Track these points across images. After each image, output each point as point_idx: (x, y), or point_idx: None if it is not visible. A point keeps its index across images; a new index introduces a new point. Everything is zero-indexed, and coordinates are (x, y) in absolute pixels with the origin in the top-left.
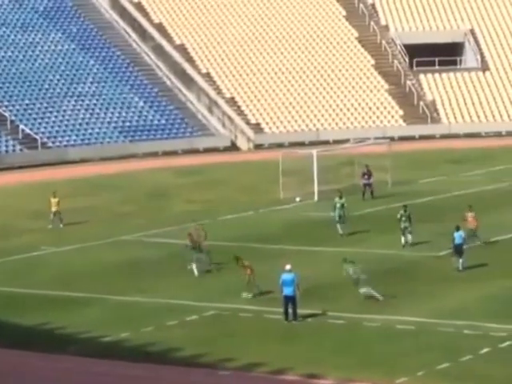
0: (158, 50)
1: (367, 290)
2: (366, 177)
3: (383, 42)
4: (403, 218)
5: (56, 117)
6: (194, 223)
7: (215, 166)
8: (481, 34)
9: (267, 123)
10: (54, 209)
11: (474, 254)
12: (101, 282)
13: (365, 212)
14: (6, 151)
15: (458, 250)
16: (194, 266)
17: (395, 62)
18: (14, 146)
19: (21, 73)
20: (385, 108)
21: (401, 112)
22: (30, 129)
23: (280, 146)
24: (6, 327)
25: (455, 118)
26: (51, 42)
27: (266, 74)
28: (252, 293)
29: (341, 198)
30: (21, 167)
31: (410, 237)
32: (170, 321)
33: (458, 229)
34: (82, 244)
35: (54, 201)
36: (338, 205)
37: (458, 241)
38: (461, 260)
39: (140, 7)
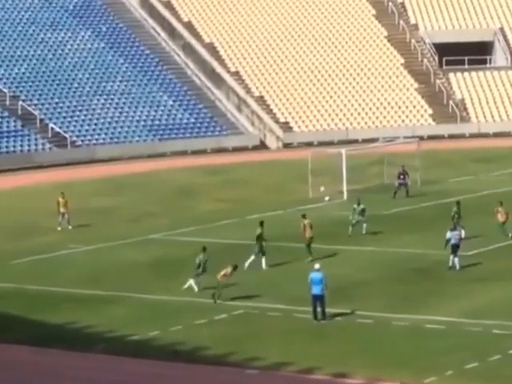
0: (187, 48)
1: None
2: (401, 177)
3: (413, 40)
4: (456, 215)
5: (85, 115)
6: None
7: (244, 165)
8: (511, 32)
9: (296, 122)
10: (61, 210)
11: (501, 253)
12: (129, 280)
13: (394, 211)
14: (36, 150)
15: (454, 250)
16: (251, 258)
17: (424, 60)
18: (43, 144)
19: (50, 71)
20: (414, 107)
21: (430, 111)
22: (60, 127)
23: (309, 144)
24: (34, 325)
25: (485, 117)
26: (80, 40)
27: (296, 72)
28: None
29: (359, 204)
30: (50, 166)
31: (463, 232)
32: (199, 320)
33: (453, 229)
34: (110, 243)
35: (61, 201)
36: (357, 211)
37: (453, 241)
38: (456, 259)
39: (169, 6)
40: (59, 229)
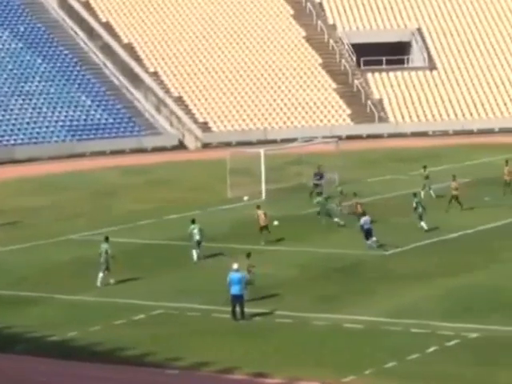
0: (106, 48)
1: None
2: (317, 177)
3: (331, 41)
4: (418, 205)
5: (3, 116)
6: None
7: (163, 165)
8: (428, 33)
9: (215, 122)
10: None
11: (419, 252)
12: (48, 281)
13: (313, 211)
14: None
15: (368, 233)
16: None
17: (343, 61)
18: None
19: None
20: (332, 107)
21: (348, 111)
22: None
23: (228, 144)
24: None
25: (402, 116)
26: None
27: (214, 72)
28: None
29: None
30: None
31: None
32: (118, 320)
33: (364, 214)
34: (29, 243)
35: None
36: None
37: (366, 226)
38: (373, 239)
39: (87, 6)
40: None
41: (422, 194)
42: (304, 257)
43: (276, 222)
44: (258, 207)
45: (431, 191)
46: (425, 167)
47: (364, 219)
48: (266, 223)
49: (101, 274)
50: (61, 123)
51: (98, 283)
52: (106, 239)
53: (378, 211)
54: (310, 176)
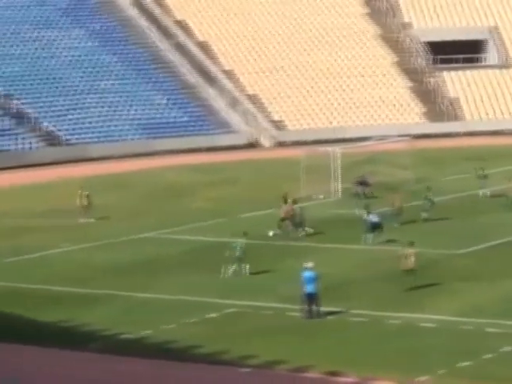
0: (180, 47)
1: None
2: (358, 184)
3: (406, 39)
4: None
5: (79, 114)
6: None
7: (236, 164)
8: (504, 30)
9: (290, 120)
10: (84, 202)
11: (491, 252)
12: (121, 279)
13: (387, 209)
14: (30, 148)
15: (374, 227)
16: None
17: (418, 59)
18: (36, 142)
19: (44, 70)
20: (408, 105)
21: (423, 109)
22: (53, 125)
23: (302, 143)
24: (27, 324)
25: (478, 115)
26: (74, 39)
27: (290, 71)
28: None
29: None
30: (43, 164)
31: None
32: (191, 318)
33: (368, 213)
34: (102, 241)
35: (84, 194)
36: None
37: (376, 220)
38: (372, 235)
39: (162, 4)
40: (83, 221)
41: (481, 193)
42: (376, 255)
43: (271, 233)
44: (285, 195)
45: (488, 191)
46: (482, 169)
47: (372, 215)
48: (286, 216)
49: (233, 267)
50: (135, 121)
51: (230, 275)
52: (245, 234)
53: (451, 210)
54: (383, 174)
